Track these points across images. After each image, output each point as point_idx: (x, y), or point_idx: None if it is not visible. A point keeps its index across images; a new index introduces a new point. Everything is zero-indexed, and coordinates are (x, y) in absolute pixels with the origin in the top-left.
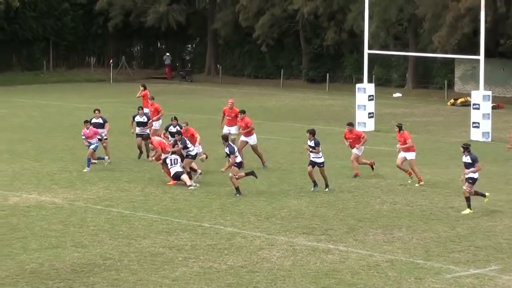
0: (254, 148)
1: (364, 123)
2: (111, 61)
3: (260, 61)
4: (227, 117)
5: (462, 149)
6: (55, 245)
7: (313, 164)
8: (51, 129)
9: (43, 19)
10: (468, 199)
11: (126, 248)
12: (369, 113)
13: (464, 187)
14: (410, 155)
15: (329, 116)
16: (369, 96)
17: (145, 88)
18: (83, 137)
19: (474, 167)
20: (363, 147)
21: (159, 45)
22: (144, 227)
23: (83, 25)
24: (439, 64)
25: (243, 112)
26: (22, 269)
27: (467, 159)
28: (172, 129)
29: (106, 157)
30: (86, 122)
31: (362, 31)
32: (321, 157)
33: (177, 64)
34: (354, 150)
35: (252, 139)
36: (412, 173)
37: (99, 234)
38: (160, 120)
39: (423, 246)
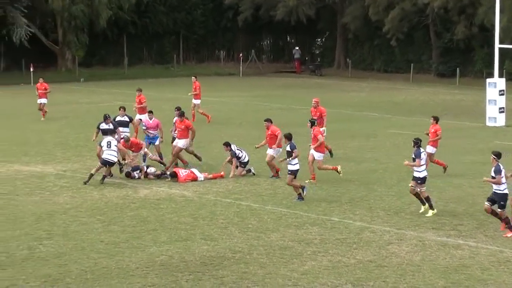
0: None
1: (495, 118)
2: (240, 54)
3: (390, 55)
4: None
5: (412, 143)
6: (185, 238)
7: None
8: None
9: (173, 13)
10: (428, 199)
11: (255, 242)
12: (500, 108)
13: (411, 185)
14: (316, 155)
15: (459, 111)
16: (500, 91)
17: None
18: (144, 127)
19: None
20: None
21: (288, 39)
22: (273, 221)
23: (213, 19)
24: None
25: (150, 112)
26: (152, 261)
27: (412, 154)
28: (104, 126)
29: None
30: (150, 112)
31: (493, 25)
32: (295, 164)
33: (307, 58)
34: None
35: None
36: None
37: (229, 227)
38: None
39: None
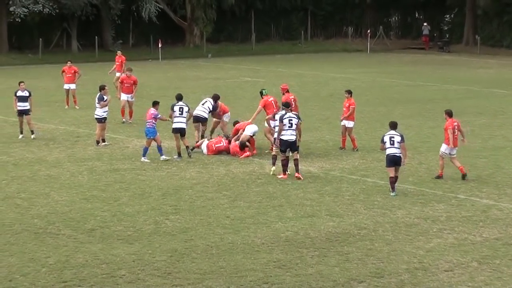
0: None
1: None
2: (368, 31)
3: None
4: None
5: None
6: (310, 214)
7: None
8: (308, 98)
9: None
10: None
11: (381, 218)
12: None
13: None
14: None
15: None
16: None
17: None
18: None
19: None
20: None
21: (417, 15)
22: (399, 198)
23: None
24: None
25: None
26: (277, 237)
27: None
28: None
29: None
30: (156, 103)
31: None
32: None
33: (435, 35)
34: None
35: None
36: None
37: (354, 204)
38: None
39: None
